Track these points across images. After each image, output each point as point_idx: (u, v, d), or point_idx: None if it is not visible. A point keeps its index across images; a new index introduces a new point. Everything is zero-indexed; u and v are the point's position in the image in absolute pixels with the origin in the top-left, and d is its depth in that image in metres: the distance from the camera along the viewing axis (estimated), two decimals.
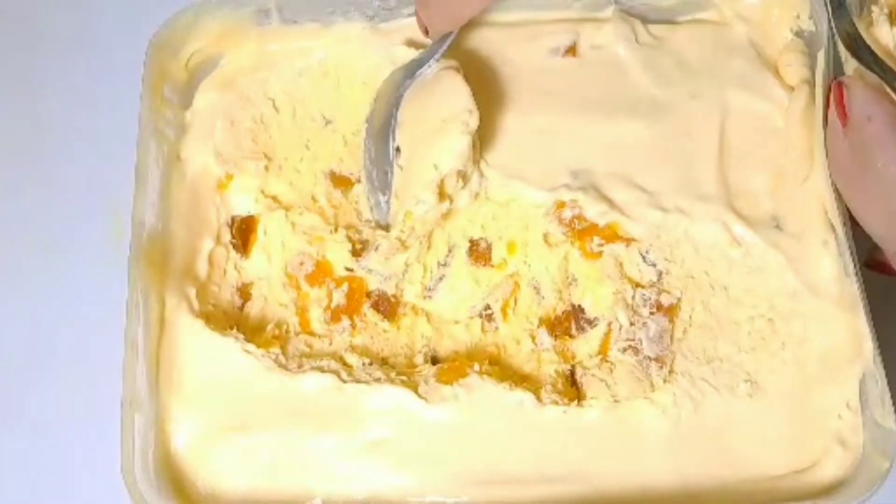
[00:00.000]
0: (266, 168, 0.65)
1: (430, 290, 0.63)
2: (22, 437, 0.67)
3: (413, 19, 0.66)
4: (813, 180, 0.60)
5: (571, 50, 0.67)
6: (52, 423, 0.66)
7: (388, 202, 0.63)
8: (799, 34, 0.65)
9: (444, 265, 0.63)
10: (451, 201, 0.63)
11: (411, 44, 0.66)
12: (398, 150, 0.63)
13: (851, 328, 0.58)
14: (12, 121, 0.75)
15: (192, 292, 0.61)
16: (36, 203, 0.72)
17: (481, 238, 0.64)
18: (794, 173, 0.62)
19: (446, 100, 0.62)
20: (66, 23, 0.77)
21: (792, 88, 0.63)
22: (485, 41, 0.67)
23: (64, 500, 0.65)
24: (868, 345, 0.56)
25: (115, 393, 0.57)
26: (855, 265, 0.58)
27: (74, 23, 0.77)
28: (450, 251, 0.64)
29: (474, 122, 0.61)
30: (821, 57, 0.61)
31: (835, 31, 0.54)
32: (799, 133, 0.62)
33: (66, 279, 0.70)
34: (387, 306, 0.63)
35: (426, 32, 0.64)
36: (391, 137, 0.63)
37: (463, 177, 0.62)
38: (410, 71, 0.63)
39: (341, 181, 0.66)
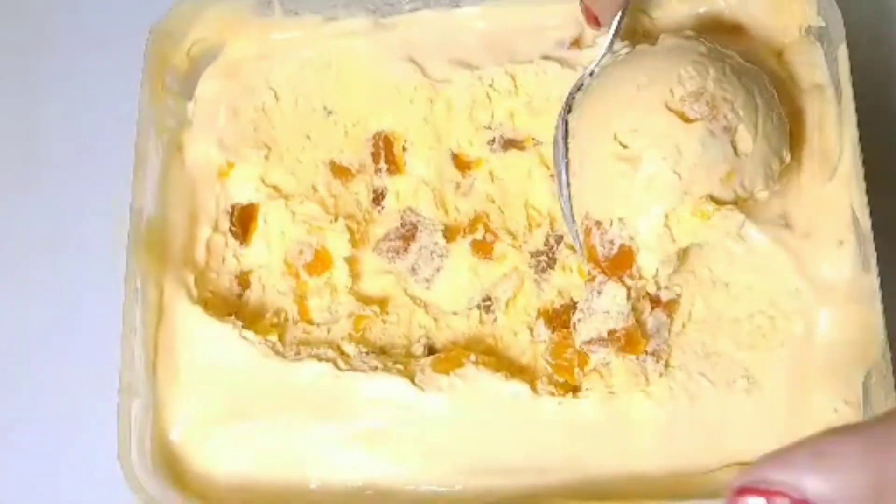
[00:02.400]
0: (267, 157, 0.65)
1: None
2: (19, 426, 0.67)
3: (415, 14, 0.66)
4: (835, 183, 0.60)
5: (576, 42, 0.66)
6: (48, 413, 0.67)
7: (568, 199, 0.59)
8: (808, 31, 0.64)
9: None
10: None
11: (412, 37, 0.66)
12: None
13: (860, 324, 0.57)
14: (10, 118, 0.75)
15: (191, 279, 0.62)
16: (34, 200, 0.73)
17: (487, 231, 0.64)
18: (808, 174, 0.61)
19: None
20: (65, 20, 0.77)
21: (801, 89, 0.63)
22: (491, 36, 0.67)
23: (61, 485, 0.66)
24: (880, 339, 0.55)
25: (112, 383, 0.58)
26: (875, 262, 0.57)
27: (74, 20, 0.77)
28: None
29: None
30: (842, 55, 0.60)
31: None
32: (813, 136, 0.61)
33: (64, 275, 0.70)
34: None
35: (595, 22, 0.62)
36: (562, 142, 0.60)
37: None
38: (587, 70, 0.62)
39: (342, 171, 0.66)
